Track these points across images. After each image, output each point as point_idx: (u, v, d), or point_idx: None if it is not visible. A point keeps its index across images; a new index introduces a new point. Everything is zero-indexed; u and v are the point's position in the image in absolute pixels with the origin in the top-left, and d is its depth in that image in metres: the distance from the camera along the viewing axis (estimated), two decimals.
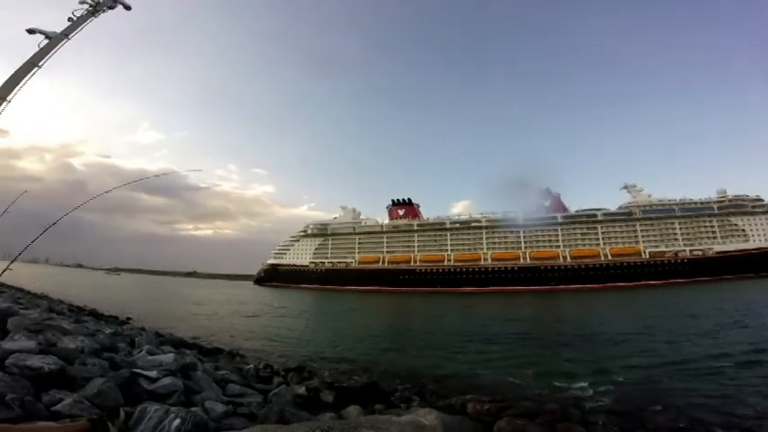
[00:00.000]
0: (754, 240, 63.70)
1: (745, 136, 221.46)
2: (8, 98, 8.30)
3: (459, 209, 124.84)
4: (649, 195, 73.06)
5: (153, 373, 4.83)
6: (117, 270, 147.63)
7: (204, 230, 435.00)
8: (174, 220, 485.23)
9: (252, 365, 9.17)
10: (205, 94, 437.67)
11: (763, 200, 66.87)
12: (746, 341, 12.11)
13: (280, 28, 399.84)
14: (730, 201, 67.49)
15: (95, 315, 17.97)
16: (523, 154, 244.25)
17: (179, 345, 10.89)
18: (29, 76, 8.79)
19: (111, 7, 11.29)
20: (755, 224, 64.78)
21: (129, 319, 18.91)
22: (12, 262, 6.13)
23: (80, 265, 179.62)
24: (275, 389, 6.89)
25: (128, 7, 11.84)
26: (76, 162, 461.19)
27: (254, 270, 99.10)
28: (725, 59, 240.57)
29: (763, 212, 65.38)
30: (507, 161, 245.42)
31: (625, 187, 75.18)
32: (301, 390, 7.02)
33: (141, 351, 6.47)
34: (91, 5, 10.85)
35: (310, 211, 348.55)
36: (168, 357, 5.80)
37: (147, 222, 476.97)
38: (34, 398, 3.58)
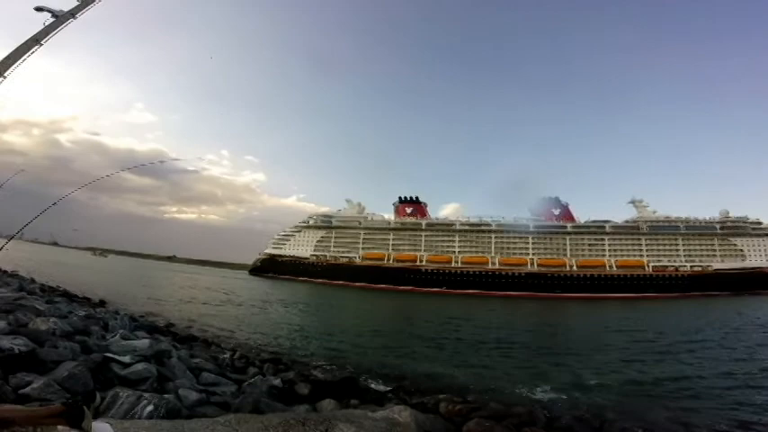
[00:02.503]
0: (751, 260, 65.86)
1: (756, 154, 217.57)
2: (5, 74, 8.30)
3: (448, 211, 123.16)
4: (654, 211, 74.29)
5: (126, 359, 4.92)
6: (104, 252, 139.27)
7: (188, 214, 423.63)
8: (158, 202, 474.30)
9: (227, 355, 9.17)
10: (203, 80, 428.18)
11: (761, 223, 69.26)
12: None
13: (281, 21, 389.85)
14: (732, 222, 69.64)
15: (68, 296, 17.46)
16: (527, 160, 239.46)
17: (153, 330, 10.97)
18: (30, 53, 8.74)
19: None
20: (753, 245, 67.02)
21: (102, 301, 18.38)
22: (8, 241, 6.04)
23: (56, 243, 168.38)
24: (250, 379, 6.96)
25: None
26: (64, 138, 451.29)
27: (241, 258, 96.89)
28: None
29: (761, 235, 67.66)
30: (507, 166, 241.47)
31: (632, 202, 76.54)
32: (276, 381, 7.06)
33: (115, 335, 6.51)
34: None
35: (299, 203, 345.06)
36: (143, 343, 5.86)
37: (130, 203, 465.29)
38: (1, 380, 3.51)
